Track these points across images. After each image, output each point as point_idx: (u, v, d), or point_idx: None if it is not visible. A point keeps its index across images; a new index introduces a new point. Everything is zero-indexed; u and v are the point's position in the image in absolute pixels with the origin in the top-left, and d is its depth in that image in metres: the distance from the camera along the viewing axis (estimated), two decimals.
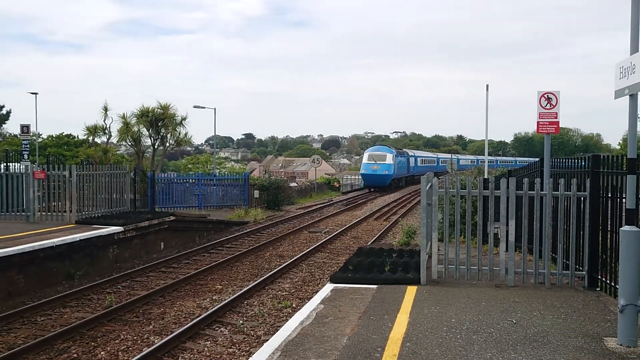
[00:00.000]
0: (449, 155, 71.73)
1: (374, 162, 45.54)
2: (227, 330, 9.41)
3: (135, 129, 31.56)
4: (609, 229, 7.99)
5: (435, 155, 71.18)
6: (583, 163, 9.01)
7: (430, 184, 8.96)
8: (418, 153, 63.30)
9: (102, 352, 8.43)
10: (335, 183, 50.48)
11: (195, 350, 8.42)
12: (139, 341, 8.93)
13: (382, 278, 8.89)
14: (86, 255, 14.13)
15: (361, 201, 37.50)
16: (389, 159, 45.77)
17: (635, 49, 5.78)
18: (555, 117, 9.60)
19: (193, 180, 27.94)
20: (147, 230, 16.94)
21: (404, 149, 60.19)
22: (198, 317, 9.85)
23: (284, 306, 10.77)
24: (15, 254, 11.70)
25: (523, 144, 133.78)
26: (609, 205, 7.96)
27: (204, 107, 37.46)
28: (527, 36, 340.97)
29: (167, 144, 32.79)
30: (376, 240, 19.20)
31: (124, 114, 31.45)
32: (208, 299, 11.53)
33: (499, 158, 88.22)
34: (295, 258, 15.57)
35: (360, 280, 8.86)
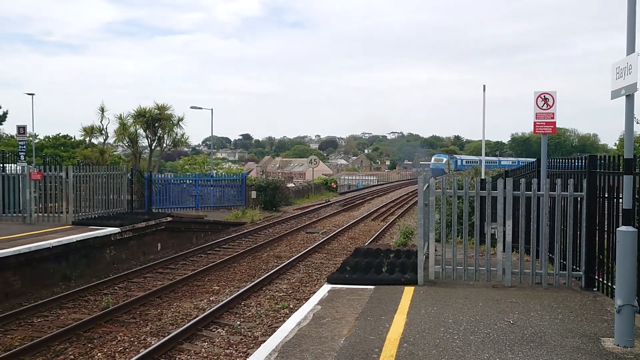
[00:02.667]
0: (488, 157, 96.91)
1: (436, 162, 77.16)
2: (224, 331, 9.39)
3: (132, 129, 31.53)
4: (605, 230, 7.99)
5: (478, 158, 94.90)
6: (580, 163, 9.02)
7: (427, 184, 8.96)
8: (463, 156, 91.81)
9: (98, 354, 8.41)
10: (333, 184, 50.48)
11: (192, 352, 8.40)
12: (135, 342, 8.91)
13: (380, 279, 8.88)
14: (83, 256, 14.09)
15: (359, 202, 37.51)
16: (444, 160, 74.31)
17: (632, 49, 5.78)
18: (552, 118, 9.61)
19: (190, 181, 27.89)
20: (144, 231, 16.91)
21: (454, 155, 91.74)
22: (195, 318, 9.83)
23: (281, 307, 10.76)
24: (12, 255, 11.66)
25: (520, 144, 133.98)
26: (606, 205, 7.97)
27: (201, 108, 37.51)
28: (524, 36, 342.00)
29: (164, 145, 32.75)
30: (373, 241, 19.21)
31: (120, 115, 31.43)
32: (205, 300, 11.51)
33: (487, 158, 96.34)
34: (292, 259, 15.56)
35: (357, 280, 8.85)
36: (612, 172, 7.79)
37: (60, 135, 50.37)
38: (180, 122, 32.42)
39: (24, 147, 25.87)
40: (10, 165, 20.09)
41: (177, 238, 19.14)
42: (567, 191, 8.48)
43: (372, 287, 8.58)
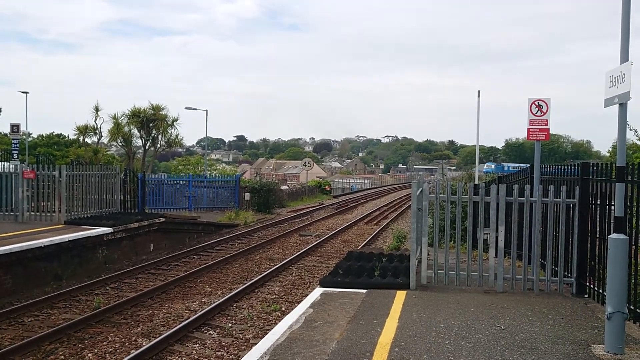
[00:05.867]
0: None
1: (487, 167, 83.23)
2: (215, 334, 9.37)
3: (127, 129, 31.47)
4: (597, 236, 8.03)
5: (526, 165, 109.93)
6: (573, 170, 9.06)
7: (420, 189, 8.98)
8: (510, 164, 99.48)
9: (89, 354, 8.37)
10: (327, 186, 50.54)
11: (183, 353, 8.38)
12: (126, 343, 8.87)
13: (372, 282, 8.89)
14: (75, 256, 14.03)
15: (352, 205, 37.53)
16: (492, 165, 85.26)
17: (625, 58, 5.82)
18: (546, 124, 9.65)
19: (184, 182, 27.84)
20: (137, 231, 16.86)
21: (502, 163, 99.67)
22: (187, 319, 9.81)
23: (273, 310, 10.75)
24: (3, 254, 11.60)
25: (514, 150, 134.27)
26: (598, 212, 8.02)
27: (196, 109, 37.40)
28: (520, 43, 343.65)
29: (158, 145, 32.70)
30: (366, 245, 19.23)
31: (115, 114, 31.37)
32: (197, 302, 11.49)
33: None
34: (285, 261, 15.55)
35: (349, 284, 8.86)
36: (604, 179, 7.83)
37: (54, 134, 50.13)
38: (174, 123, 32.41)
39: (17, 145, 25.79)
40: (3, 163, 20.00)
41: (169, 239, 19.10)
42: (559, 198, 8.52)
43: (365, 290, 8.59)
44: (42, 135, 50.24)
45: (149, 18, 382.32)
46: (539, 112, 9.67)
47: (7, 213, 16.60)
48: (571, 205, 8.54)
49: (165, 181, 27.39)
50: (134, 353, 8.06)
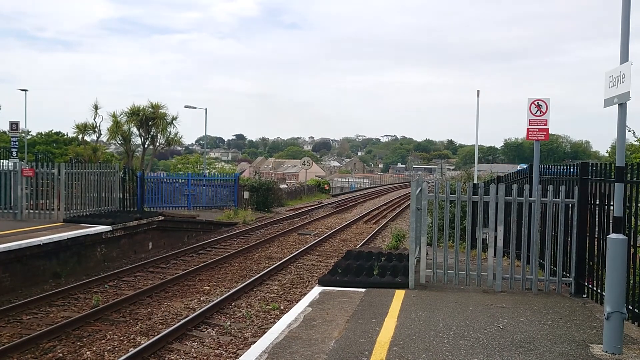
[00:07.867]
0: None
1: (520, 167, 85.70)
2: (214, 332, 9.37)
3: (126, 127, 31.46)
4: (596, 237, 8.04)
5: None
6: (572, 170, 9.06)
7: (420, 188, 8.98)
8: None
9: (87, 352, 8.37)
10: (326, 185, 50.53)
11: (182, 352, 8.38)
12: (125, 341, 8.87)
13: (371, 282, 8.89)
14: (73, 254, 14.03)
15: (351, 204, 37.53)
16: (524, 167, 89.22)
17: (625, 59, 5.82)
18: (545, 124, 9.66)
19: (183, 180, 27.80)
20: (136, 229, 16.86)
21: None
22: (185, 318, 9.80)
23: (272, 308, 10.75)
24: (2, 252, 11.60)
25: (513, 149, 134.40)
26: (597, 212, 8.02)
27: (195, 107, 37.35)
28: (520, 42, 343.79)
29: (157, 144, 32.68)
30: (365, 244, 19.23)
31: (114, 113, 31.40)
32: (196, 300, 11.49)
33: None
34: (284, 260, 15.55)
35: (348, 283, 8.86)
36: (603, 179, 7.84)
37: (53, 132, 50.15)
38: (174, 121, 32.40)
39: (16, 143, 25.78)
40: (2, 161, 19.98)
41: (168, 237, 19.09)
42: (558, 198, 8.52)
43: (363, 289, 8.59)
44: (41, 133, 50.27)
45: (148, 16, 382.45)
46: (539, 112, 9.67)
47: (6, 211, 16.58)
48: (570, 205, 8.54)
49: (164, 180, 27.37)
50: (132, 351, 8.06)
